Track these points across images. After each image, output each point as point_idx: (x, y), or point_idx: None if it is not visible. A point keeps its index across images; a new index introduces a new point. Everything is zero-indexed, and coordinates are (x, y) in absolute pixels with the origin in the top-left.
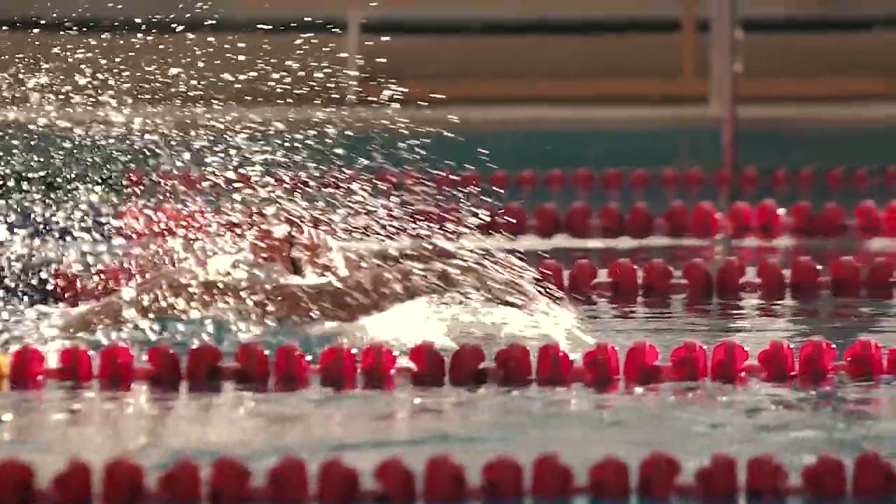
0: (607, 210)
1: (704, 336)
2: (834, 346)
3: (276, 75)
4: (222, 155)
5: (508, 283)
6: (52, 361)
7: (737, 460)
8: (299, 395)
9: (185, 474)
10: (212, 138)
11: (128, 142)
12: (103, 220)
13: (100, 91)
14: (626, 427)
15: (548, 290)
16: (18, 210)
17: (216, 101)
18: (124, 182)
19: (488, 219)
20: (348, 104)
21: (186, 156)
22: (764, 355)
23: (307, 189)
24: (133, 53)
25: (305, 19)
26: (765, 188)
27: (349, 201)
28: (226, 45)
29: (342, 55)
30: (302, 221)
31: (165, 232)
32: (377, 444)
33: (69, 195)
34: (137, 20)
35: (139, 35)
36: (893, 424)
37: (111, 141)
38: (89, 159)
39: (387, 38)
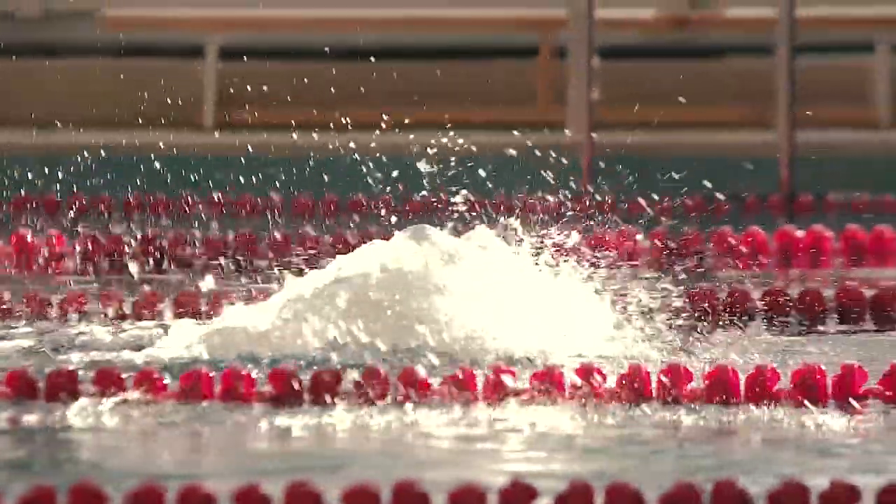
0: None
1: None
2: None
3: (133, 100)
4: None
5: None
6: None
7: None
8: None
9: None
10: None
11: None
12: None
13: None
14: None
15: None
16: None
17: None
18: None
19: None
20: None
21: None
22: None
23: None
24: None
25: (163, 44)
26: (623, 214)
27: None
28: (82, 70)
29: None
30: None
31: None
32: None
33: None
34: None
35: None
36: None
37: None
38: None
39: (246, 63)
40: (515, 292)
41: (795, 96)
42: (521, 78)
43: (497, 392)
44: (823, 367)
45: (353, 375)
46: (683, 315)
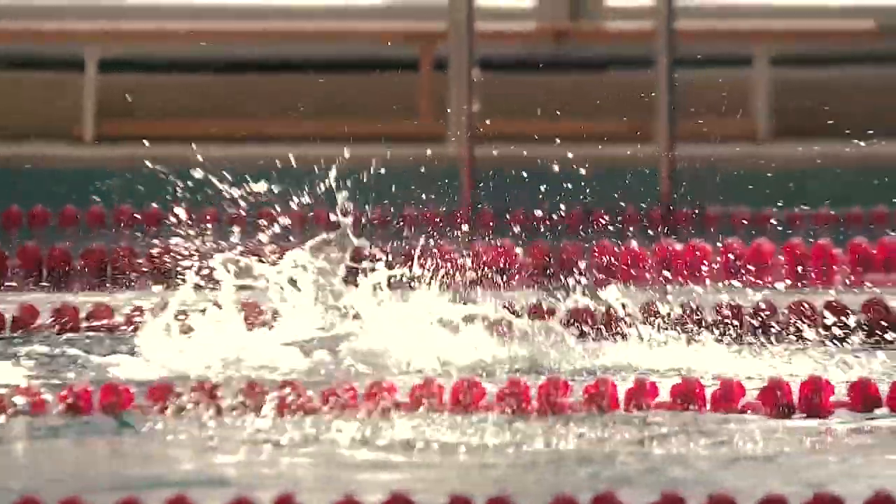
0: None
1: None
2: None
3: (11, 112)
4: None
5: None
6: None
7: None
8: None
9: None
10: None
11: None
12: None
13: None
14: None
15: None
16: None
17: None
18: None
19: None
20: (85, 142)
21: None
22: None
23: None
24: None
25: (42, 57)
26: (503, 227)
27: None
28: None
29: (79, 93)
30: None
31: None
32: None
33: None
34: None
35: None
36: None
37: None
38: None
39: (125, 76)
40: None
41: (675, 109)
42: (402, 90)
43: (378, 404)
44: (703, 381)
45: (234, 388)
46: (564, 328)
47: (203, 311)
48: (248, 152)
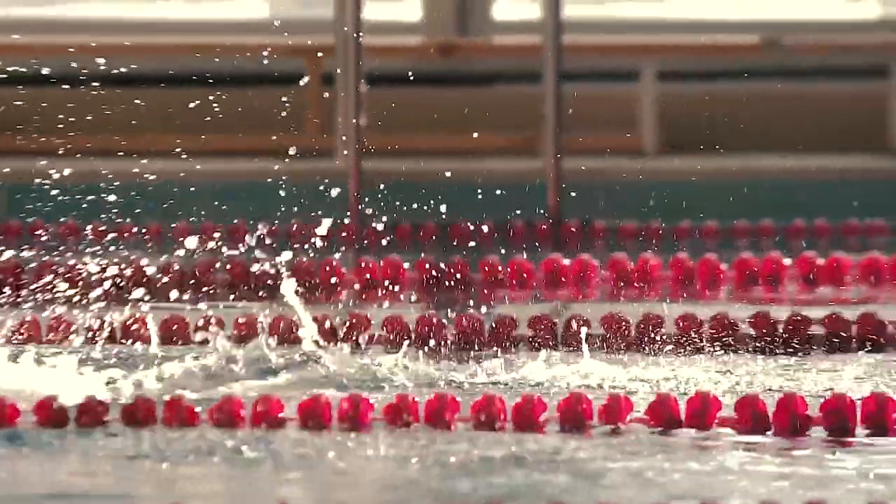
0: (234, 264)
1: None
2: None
3: None
4: None
5: None
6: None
7: None
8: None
9: None
10: None
11: None
12: None
13: None
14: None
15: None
16: None
17: None
18: None
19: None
20: None
21: None
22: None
23: None
24: None
25: None
26: (390, 242)
27: None
28: None
29: None
30: None
31: None
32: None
33: None
34: None
35: None
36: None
37: None
38: None
39: (13, 89)
40: None
41: (562, 123)
42: (289, 105)
43: (264, 419)
44: (589, 397)
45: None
46: (452, 344)
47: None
48: (127, 166)
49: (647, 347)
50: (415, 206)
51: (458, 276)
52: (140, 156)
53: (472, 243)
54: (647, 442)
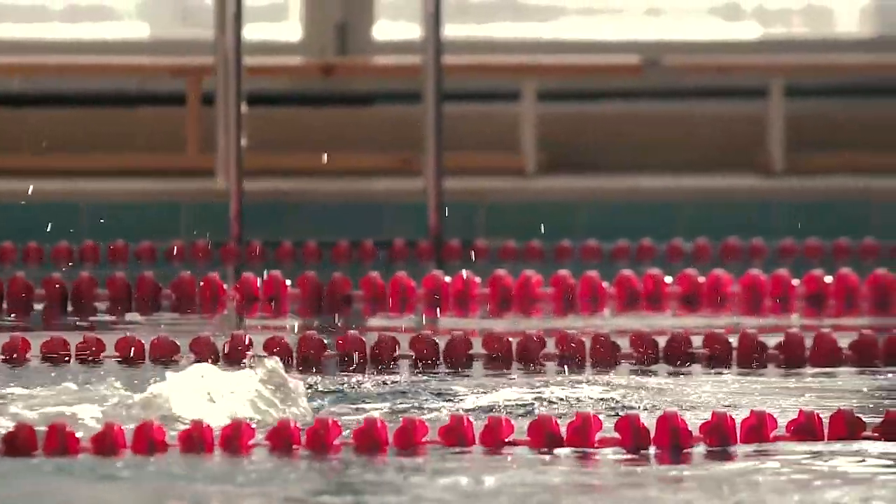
0: (112, 280)
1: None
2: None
3: None
4: None
5: None
6: None
7: None
8: None
9: None
10: None
11: None
12: None
13: None
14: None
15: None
16: None
17: None
18: None
19: None
20: None
21: None
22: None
23: None
24: None
25: None
26: (271, 260)
27: None
28: None
29: None
30: None
31: None
32: None
33: None
34: None
35: None
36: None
37: None
38: None
39: None
40: None
41: (443, 143)
42: (170, 125)
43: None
44: (471, 419)
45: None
46: (335, 363)
47: None
48: (7, 187)
49: (530, 366)
50: (296, 225)
51: (340, 294)
52: (20, 176)
53: (353, 262)
54: (526, 462)
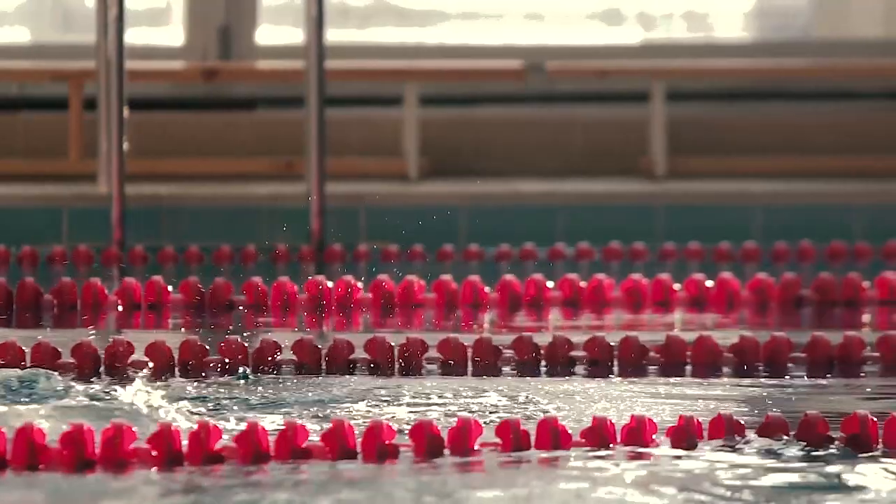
0: None
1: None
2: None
3: None
4: None
5: None
6: None
7: None
8: None
9: None
10: None
11: None
12: None
13: None
14: None
15: None
16: None
17: None
18: None
19: None
20: None
21: None
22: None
23: None
24: None
25: None
26: (153, 265)
27: None
28: None
29: None
30: None
31: None
32: None
33: None
34: None
35: None
36: None
37: None
38: None
39: None
40: None
41: (325, 148)
42: (52, 130)
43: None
44: (351, 423)
45: None
46: (217, 369)
47: None
48: None
49: (412, 372)
50: (178, 230)
51: (222, 299)
52: None
53: (235, 267)
54: (409, 470)
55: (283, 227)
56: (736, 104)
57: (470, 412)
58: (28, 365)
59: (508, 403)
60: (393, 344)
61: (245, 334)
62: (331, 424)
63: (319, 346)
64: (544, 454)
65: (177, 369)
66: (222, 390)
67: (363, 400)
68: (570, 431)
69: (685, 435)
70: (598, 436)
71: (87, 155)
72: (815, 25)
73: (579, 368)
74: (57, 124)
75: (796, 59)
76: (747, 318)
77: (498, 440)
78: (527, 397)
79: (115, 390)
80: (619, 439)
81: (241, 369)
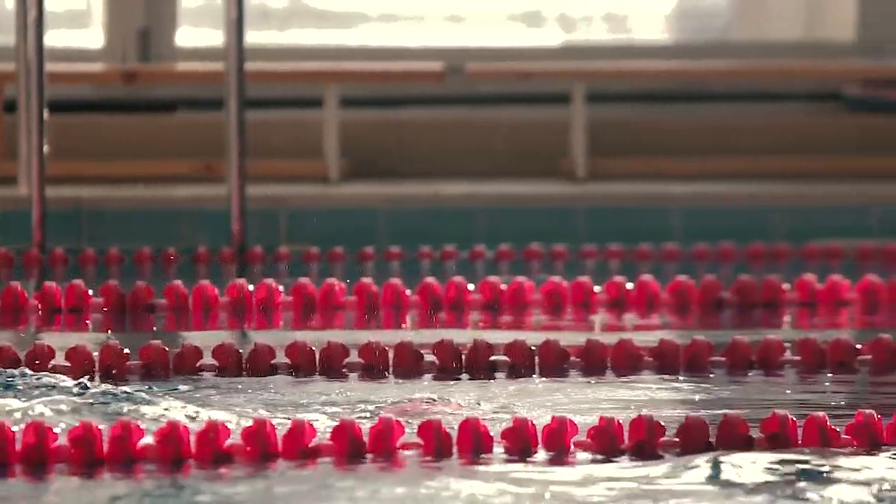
0: None
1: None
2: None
3: None
4: None
5: None
6: None
7: None
8: None
9: None
10: None
11: None
12: None
13: None
14: None
15: None
16: None
17: None
18: None
19: None
20: None
21: None
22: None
23: None
24: None
25: None
26: (73, 268)
27: None
28: None
29: None
30: None
31: None
32: None
33: None
34: None
35: None
36: None
37: None
38: None
39: None
40: None
41: (245, 150)
42: None
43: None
44: (274, 424)
45: None
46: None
47: None
48: None
49: (333, 375)
50: (99, 232)
51: (143, 302)
52: None
53: (156, 270)
54: (333, 471)
55: (204, 229)
56: (656, 106)
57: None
58: None
59: (430, 406)
60: (314, 348)
61: (166, 338)
62: (251, 424)
63: (240, 350)
64: (465, 456)
65: (97, 373)
66: (142, 393)
67: (284, 404)
68: (491, 433)
69: (606, 436)
70: (520, 437)
71: (7, 157)
72: (734, 27)
73: (501, 371)
74: None
75: (716, 60)
76: (668, 320)
77: (420, 441)
78: (449, 400)
79: (35, 393)
80: (540, 440)
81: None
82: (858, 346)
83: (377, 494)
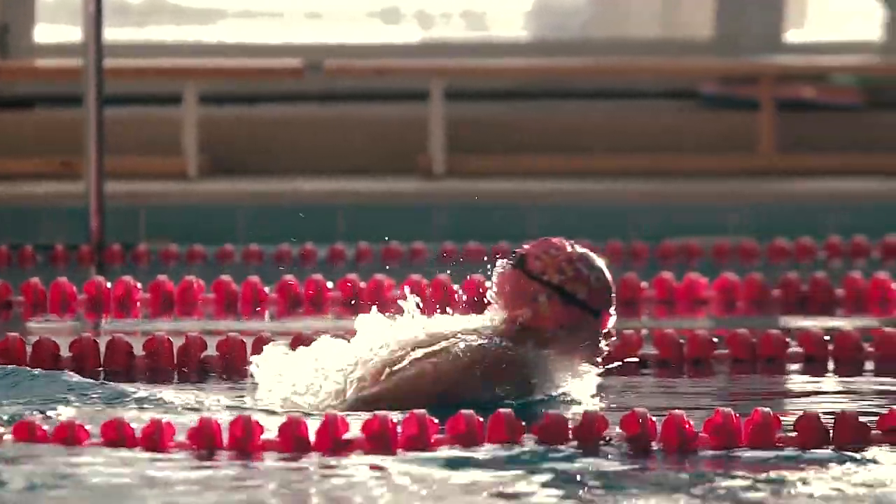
0: None
1: None
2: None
3: None
4: None
5: None
6: None
7: None
8: None
9: None
10: None
11: None
12: None
13: None
14: None
15: None
16: None
17: None
18: None
19: None
20: None
21: None
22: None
23: None
24: None
25: None
26: None
27: None
28: None
29: None
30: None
31: None
32: None
33: None
34: None
35: None
36: None
37: None
38: None
39: None
40: None
41: (104, 147)
42: None
43: None
44: (219, 422)
45: None
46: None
47: None
48: None
49: (184, 372)
50: None
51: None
52: None
53: (13, 267)
54: (280, 469)
55: (62, 227)
56: (515, 103)
57: (253, 411)
58: None
59: (290, 406)
60: (172, 342)
61: (23, 334)
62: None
63: (98, 346)
64: (325, 452)
65: None
66: None
67: (143, 401)
68: (349, 429)
69: (468, 433)
70: (380, 435)
71: None
72: (593, 25)
73: None
74: None
75: (574, 58)
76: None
77: (277, 439)
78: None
79: None
80: (399, 438)
81: None
82: (715, 341)
83: (235, 493)
